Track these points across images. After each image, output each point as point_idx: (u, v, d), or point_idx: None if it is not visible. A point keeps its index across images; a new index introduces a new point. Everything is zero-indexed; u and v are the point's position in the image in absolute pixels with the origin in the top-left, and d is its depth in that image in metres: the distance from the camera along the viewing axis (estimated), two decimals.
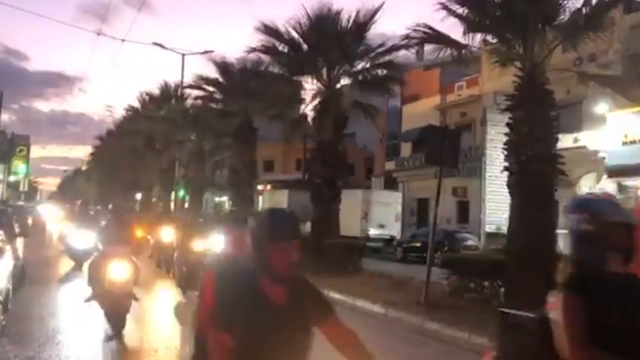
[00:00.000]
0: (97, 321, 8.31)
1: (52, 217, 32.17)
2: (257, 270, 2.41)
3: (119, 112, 50.22)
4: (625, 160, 20.10)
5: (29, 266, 10.82)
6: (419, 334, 8.63)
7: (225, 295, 2.60)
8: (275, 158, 45.97)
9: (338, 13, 16.64)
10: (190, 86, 26.70)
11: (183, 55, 31.17)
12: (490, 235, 23.18)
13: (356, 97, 17.92)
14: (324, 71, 17.28)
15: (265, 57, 18.31)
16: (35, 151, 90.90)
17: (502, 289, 10.38)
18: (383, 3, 16.53)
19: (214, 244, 11.16)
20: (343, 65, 17.30)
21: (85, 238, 13.22)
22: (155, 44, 31.77)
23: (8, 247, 8.74)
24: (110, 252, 7.70)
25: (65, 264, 15.30)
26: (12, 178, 53.33)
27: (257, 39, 17.37)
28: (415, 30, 11.40)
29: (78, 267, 13.98)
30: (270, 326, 2.31)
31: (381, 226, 28.45)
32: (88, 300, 7.88)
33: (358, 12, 16.54)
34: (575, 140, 21.72)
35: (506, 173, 10.64)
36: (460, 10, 10.73)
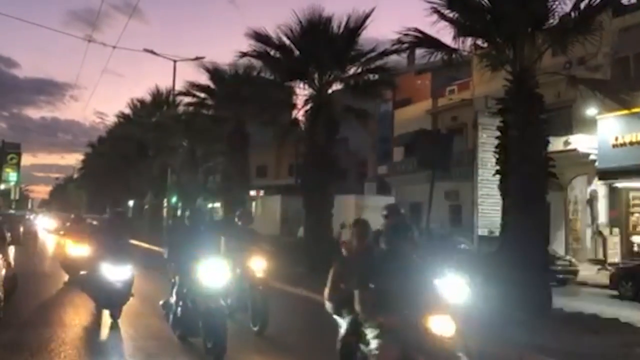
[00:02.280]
0: (90, 330, 8.27)
1: (48, 228, 31.16)
2: None
3: (111, 119, 50.09)
4: (615, 162, 20.27)
5: (21, 274, 10.75)
6: None
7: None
8: (268, 163, 45.93)
9: (329, 18, 16.68)
10: (182, 93, 26.70)
11: (174, 61, 31.19)
12: (483, 239, 23.21)
13: (348, 102, 17.95)
14: (316, 76, 17.31)
15: (257, 63, 18.35)
16: (27, 159, 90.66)
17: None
18: (374, 8, 16.62)
19: None
20: (334, 70, 17.34)
21: (122, 268, 8.41)
22: (147, 50, 31.74)
23: (0, 255, 8.69)
24: None
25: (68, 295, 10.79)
26: (2, 186, 53.12)
27: (249, 44, 17.41)
28: (406, 35, 11.44)
29: (113, 319, 8.47)
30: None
31: None
32: None
33: (349, 18, 16.60)
34: (566, 143, 21.85)
35: (498, 176, 10.69)
36: (450, 14, 10.79)
